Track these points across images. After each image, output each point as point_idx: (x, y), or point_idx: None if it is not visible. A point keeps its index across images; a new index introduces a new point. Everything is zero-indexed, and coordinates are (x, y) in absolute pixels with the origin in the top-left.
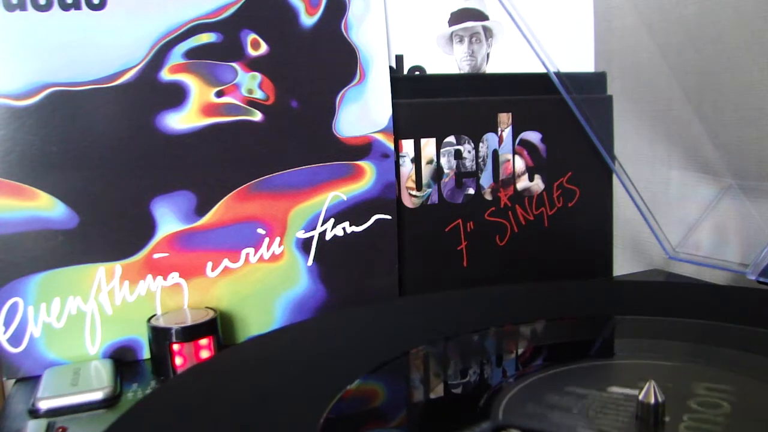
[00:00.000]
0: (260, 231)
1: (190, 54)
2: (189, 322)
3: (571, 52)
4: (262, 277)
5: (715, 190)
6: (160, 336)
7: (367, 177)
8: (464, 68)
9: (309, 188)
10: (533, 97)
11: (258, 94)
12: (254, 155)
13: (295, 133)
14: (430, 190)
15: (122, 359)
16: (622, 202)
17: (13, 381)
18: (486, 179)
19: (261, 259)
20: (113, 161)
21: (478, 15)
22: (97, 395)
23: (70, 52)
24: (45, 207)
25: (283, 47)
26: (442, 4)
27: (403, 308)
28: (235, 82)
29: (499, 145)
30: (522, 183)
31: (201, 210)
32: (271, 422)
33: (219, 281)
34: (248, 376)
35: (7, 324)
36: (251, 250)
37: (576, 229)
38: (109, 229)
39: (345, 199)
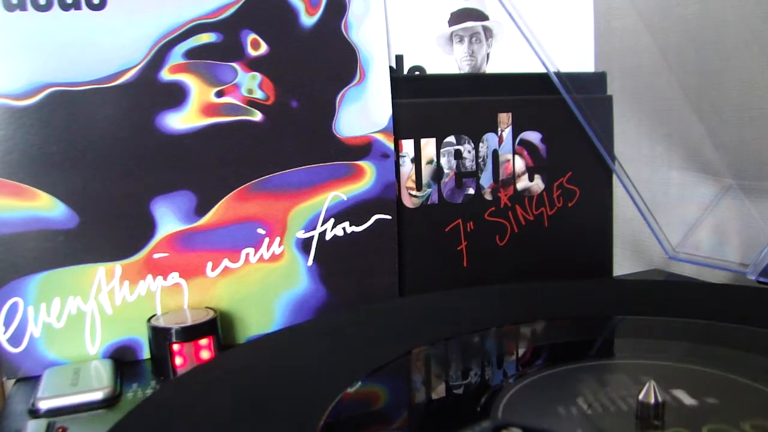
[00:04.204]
0: (260, 231)
1: (190, 54)
2: (189, 322)
3: (571, 52)
4: (262, 277)
5: (715, 190)
6: (160, 336)
7: (367, 177)
8: (464, 68)
9: (309, 188)
10: (533, 97)
11: (258, 94)
12: (254, 155)
13: (295, 133)
14: (430, 190)
15: (122, 359)
16: (622, 202)
17: (13, 381)
18: (486, 179)
19: (261, 259)
20: (113, 161)
21: (478, 15)
22: (97, 395)
23: (70, 52)
24: (45, 207)
25: (283, 47)
26: (442, 4)
27: (403, 308)
28: (235, 82)
29: (499, 145)
30: (522, 183)
31: (201, 210)
32: (270, 424)
33: (219, 281)
34: (248, 378)
35: (7, 324)
36: (251, 250)
37: (576, 229)
38: (109, 229)
39: (345, 199)
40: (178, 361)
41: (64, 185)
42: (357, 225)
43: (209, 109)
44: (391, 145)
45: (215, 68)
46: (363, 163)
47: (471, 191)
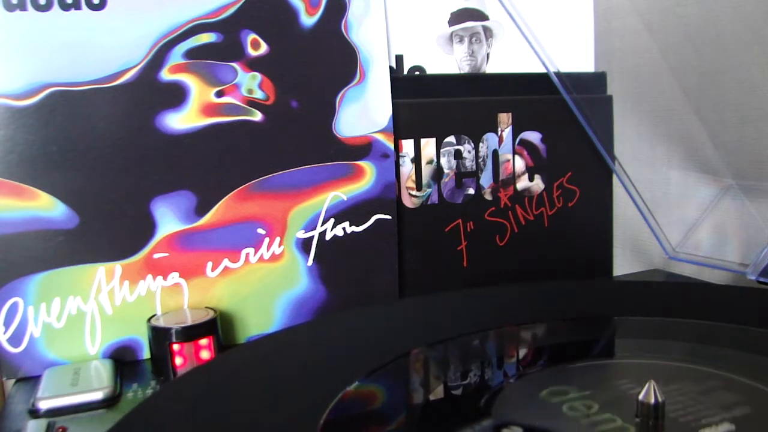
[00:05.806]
0: (260, 231)
1: (190, 54)
2: (189, 322)
3: (571, 52)
4: (262, 277)
5: (715, 190)
6: (160, 336)
7: (367, 177)
8: (464, 68)
9: (309, 188)
10: (533, 97)
11: (258, 94)
12: (254, 155)
13: (295, 133)
14: (430, 190)
15: (122, 359)
16: (622, 202)
17: (13, 381)
18: (486, 179)
19: (261, 259)
20: (113, 161)
21: (478, 15)
22: (97, 395)
23: (70, 52)
24: (45, 207)
25: (283, 47)
26: (442, 4)
27: (403, 309)
28: (235, 82)
29: (499, 145)
30: (522, 183)
31: (201, 210)
32: (270, 424)
33: (219, 281)
34: (248, 377)
35: (7, 324)
36: (251, 250)
37: (576, 229)
38: (109, 229)
39: (345, 199)
40: (178, 361)
41: (64, 185)
42: (357, 225)
43: (209, 109)
44: (391, 145)
45: (215, 68)
46: (363, 163)
47: (471, 191)
